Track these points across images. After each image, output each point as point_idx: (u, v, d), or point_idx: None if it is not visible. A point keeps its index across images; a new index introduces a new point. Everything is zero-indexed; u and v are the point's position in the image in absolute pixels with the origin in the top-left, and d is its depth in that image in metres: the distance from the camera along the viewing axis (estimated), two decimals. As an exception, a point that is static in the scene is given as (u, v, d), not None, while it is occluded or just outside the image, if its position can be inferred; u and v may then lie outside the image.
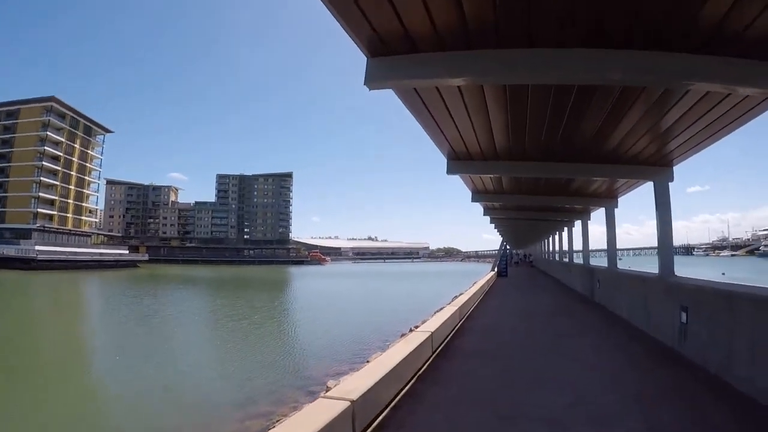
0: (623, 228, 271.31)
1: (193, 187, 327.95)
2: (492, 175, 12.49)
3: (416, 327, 10.26)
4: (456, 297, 15.33)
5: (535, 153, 9.90)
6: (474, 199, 16.81)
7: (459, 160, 10.78)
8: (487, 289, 20.61)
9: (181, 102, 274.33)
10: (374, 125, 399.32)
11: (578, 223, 21.70)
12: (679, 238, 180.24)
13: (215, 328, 23.58)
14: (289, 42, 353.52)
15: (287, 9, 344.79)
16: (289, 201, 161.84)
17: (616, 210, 15.04)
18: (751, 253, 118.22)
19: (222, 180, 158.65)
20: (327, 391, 4.97)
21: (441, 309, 11.91)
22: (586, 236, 20.02)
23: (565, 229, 25.25)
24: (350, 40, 4.95)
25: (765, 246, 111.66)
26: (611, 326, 10.82)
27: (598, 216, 18.96)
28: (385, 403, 5.18)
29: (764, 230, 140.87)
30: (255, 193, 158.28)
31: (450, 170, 10.97)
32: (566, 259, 25.65)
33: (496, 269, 34.54)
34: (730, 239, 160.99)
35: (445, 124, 8.03)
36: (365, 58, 5.25)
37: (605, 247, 15.11)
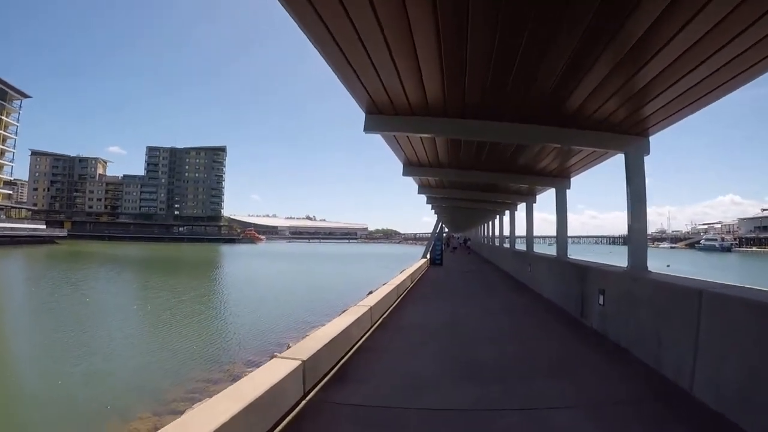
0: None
1: (132, 161, 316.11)
2: (423, 135, 9.85)
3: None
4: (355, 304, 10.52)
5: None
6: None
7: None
8: (411, 285, 15.31)
9: (130, 75, 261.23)
10: (321, 104, 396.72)
11: (522, 207, 19.90)
12: (619, 229, 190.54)
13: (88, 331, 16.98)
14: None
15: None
16: (221, 176, 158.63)
17: (535, 204, 17.31)
18: (690, 246, 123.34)
19: (152, 153, 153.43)
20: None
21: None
22: (531, 221, 18.21)
23: (507, 213, 23.54)
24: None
25: (705, 240, 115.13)
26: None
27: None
28: None
29: (704, 224, 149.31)
30: (186, 167, 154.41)
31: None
32: (521, 247, 21.28)
33: (428, 255, 27.33)
34: (670, 231, 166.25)
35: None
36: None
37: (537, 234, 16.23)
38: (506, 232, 24.99)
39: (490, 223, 32.77)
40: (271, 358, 5.36)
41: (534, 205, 17.95)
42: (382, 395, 5.20)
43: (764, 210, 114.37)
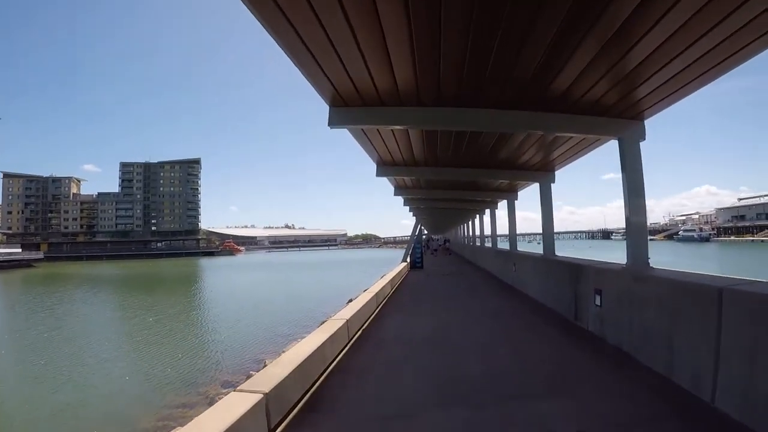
0: (538, 213, 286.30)
1: (108, 178, 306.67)
2: (395, 127, 8.75)
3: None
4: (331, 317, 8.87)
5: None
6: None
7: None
8: (391, 292, 14.43)
9: (100, 87, 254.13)
10: (291, 112, 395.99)
11: (503, 205, 19.52)
12: (597, 223, 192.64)
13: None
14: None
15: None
16: (197, 189, 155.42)
17: (517, 201, 16.99)
18: (669, 237, 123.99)
19: (126, 168, 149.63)
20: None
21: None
22: (513, 219, 17.39)
23: (487, 212, 23.11)
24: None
25: (683, 231, 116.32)
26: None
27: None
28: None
29: (681, 216, 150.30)
30: (161, 181, 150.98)
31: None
32: (503, 246, 21.10)
33: (408, 259, 26.60)
34: (648, 224, 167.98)
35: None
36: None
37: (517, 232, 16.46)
38: (487, 231, 24.50)
39: (470, 222, 32.14)
40: (236, 388, 4.53)
41: (516, 202, 17.37)
42: (360, 429, 4.42)
43: (741, 199, 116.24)
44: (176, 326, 21.72)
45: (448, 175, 13.05)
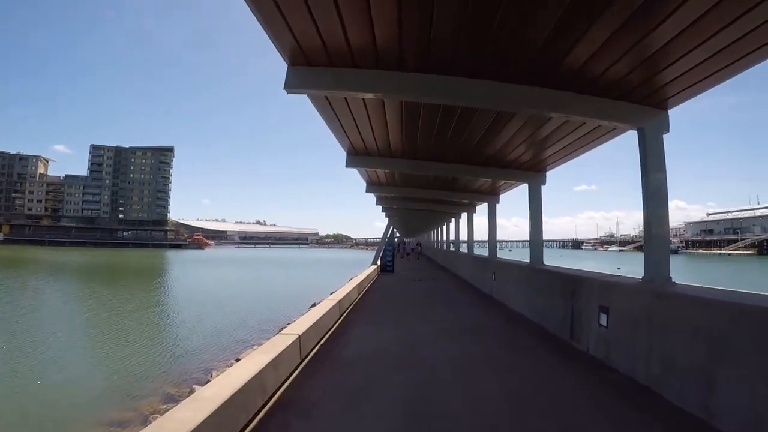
0: (512, 221, 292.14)
1: (78, 161, 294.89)
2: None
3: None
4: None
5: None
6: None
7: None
8: (357, 298, 13.30)
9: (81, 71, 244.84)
10: (273, 107, 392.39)
11: (482, 209, 19.01)
12: (568, 233, 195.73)
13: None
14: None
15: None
16: (168, 178, 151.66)
17: (498, 205, 16.23)
18: (639, 249, 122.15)
19: (96, 152, 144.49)
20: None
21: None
22: (471, 228, 20.68)
23: (464, 215, 22.44)
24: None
25: None
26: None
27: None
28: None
29: None
30: (132, 168, 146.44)
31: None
32: (475, 253, 20.55)
33: (378, 262, 25.46)
34: (618, 235, 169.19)
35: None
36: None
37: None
38: (463, 236, 23.47)
39: (445, 226, 30.72)
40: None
41: (497, 206, 16.26)
42: None
43: (709, 214, 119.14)
44: (131, 325, 19.57)
45: (426, 169, 11.54)
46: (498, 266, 13.76)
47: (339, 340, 8.01)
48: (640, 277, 6.12)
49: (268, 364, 4.90)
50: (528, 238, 10.86)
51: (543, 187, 10.92)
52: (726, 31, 4.19)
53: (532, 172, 10.99)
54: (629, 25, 4.34)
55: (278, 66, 5.79)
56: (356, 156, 11.22)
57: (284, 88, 5.85)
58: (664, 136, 6.07)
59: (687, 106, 6.21)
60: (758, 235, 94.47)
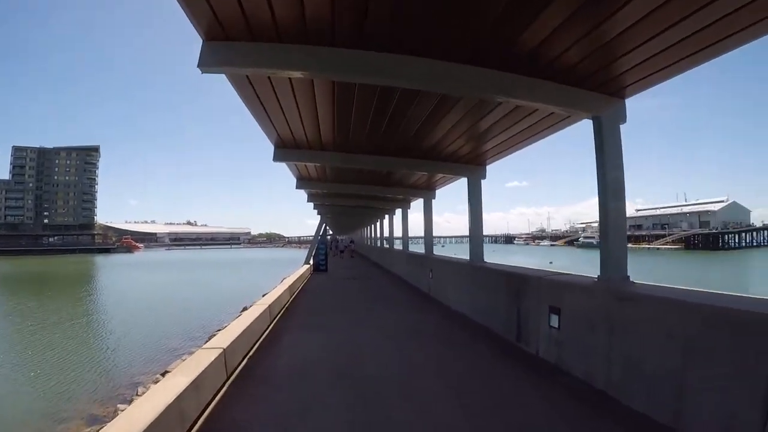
0: (444, 216, 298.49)
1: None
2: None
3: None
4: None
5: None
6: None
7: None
8: (289, 301, 12.51)
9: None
10: (200, 104, 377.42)
11: (417, 205, 19.08)
12: (500, 228, 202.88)
13: None
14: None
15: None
16: (94, 179, 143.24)
17: (434, 200, 15.81)
18: (570, 243, 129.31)
19: (18, 153, 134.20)
20: None
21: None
22: (406, 224, 20.04)
23: (398, 212, 21.97)
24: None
25: (584, 237, 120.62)
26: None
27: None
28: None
29: (582, 223, 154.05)
30: (56, 169, 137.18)
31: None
32: (411, 249, 20.14)
33: (311, 261, 24.60)
34: (549, 230, 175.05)
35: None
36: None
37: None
38: (398, 233, 22.74)
39: (379, 223, 30.08)
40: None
41: (433, 201, 15.77)
42: None
43: (638, 210, 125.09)
44: (56, 339, 17.79)
45: (360, 163, 10.63)
46: (435, 263, 13.31)
47: (270, 350, 7.19)
48: (595, 276, 5.74)
49: (188, 387, 4.15)
50: (460, 234, 10.74)
51: (483, 181, 10.52)
52: (685, 23, 4.05)
53: (473, 166, 10.49)
54: (586, 8, 4.06)
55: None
56: (285, 149, 10.17)
57: (198, 66, 4.91)
58: (621, 126, 5.73)
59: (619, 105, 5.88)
60: (685, 231, 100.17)
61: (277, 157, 10.27)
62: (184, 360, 6.13)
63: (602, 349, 4.96)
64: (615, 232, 5.53)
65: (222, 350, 5.55)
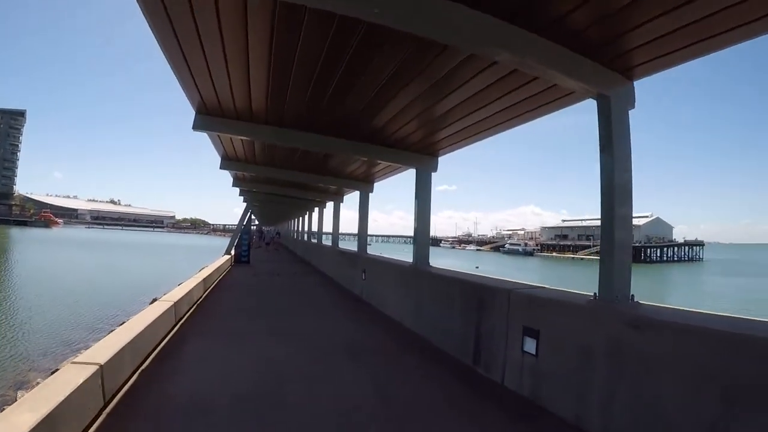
0: (371, 215, 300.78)
1: None
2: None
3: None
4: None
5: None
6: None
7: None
8: (202, 297, 11.03)
9: None
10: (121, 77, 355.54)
11: (352, 197, 18.12)
12: (446, 231, 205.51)
13: None
14: None
15: None
16: (17, 145, 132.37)
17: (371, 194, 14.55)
18: (496, 249, 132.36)
19: None
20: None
21: None
22: (337, 218, 18.83)
23: (330, 204, 20.77)
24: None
25: (510, 244, 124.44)
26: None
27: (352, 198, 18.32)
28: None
29: (508, 230, 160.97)
30: None
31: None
32: (340, 246, 19.11)
33: (233, 251, 23.22)
34: (476, 235, 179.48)
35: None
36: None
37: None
38: (327, 227, 21.55)
39: (308, 216, 28.17)
40: None
41: (370, 194, 14.47)
42: None
43: (564, 221, 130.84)
44: None
45: (295, 140, 8.74)
46: (370, 264, 11.90)
47: (167, 366, 5.55)
48: (584, 293, 4.72)
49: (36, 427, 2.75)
50: (386, 234, 9.82)
51: (433, 174, 9.38)
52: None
53: (424, 156, 9.31)
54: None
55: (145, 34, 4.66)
56: (207, 116, 8.29)
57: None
58: (630, 112, 4.74)
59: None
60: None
61: (197, 125, 8.33)
62: (38, 383, 4.42)
63: (603, 388, 3.86)
64: (620, 242, 4.53)
65: (99, 367, 4.02)
